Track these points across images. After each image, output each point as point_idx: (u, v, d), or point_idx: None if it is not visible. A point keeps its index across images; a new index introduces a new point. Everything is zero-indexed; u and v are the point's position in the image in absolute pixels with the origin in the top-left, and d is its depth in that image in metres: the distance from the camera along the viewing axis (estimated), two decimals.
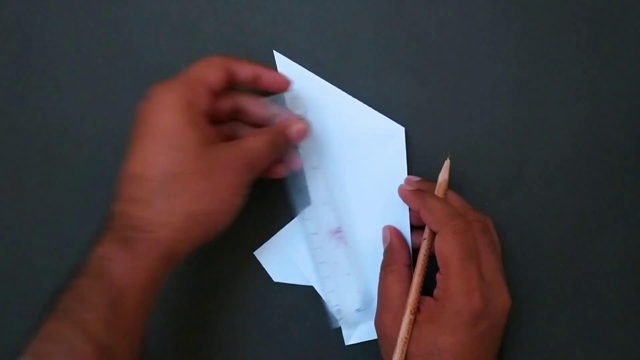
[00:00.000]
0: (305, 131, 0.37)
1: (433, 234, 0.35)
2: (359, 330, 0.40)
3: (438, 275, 0.34)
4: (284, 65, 0.39)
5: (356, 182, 0.40)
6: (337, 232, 0.39)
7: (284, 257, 0.40)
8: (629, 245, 0.40)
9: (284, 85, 0.37)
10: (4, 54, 0.41)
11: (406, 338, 0.33)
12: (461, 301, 0.32)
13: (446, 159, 0.37)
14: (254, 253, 0.40)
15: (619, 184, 0.40)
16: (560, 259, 0.40)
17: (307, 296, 0.39)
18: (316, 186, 0.39)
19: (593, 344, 0.40)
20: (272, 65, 0.40)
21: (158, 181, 0.31)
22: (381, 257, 0.38)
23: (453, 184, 0.40)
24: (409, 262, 0.37)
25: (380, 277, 0.37)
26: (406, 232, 0.39)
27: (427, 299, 0.34)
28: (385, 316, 0.35)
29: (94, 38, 0.41)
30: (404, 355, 0.33)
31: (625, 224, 0.40)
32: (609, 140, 0.40)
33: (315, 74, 0.40)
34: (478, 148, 0.40)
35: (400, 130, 0.39)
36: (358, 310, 0.40)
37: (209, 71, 0.34)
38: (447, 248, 0.33)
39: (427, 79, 0.40)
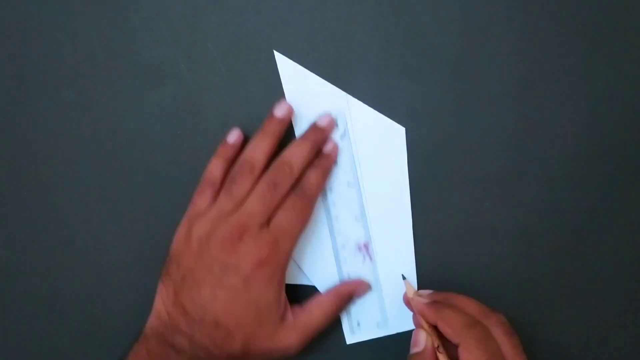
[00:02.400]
0: (367, 289, 0.40)
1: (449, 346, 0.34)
2: (360, 330, 0.40)
3: None
4: (284, 65, 0.39)
5: (358, 183, 0.40)
6: (365, 246, 0.40)
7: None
8: (628, 245, 0.40)
9: None
10: (4, 54, 0.41)
11: None
12: None
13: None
14: None
15: (619, 184, 0.40)
16: (560, 258, 0.40)
17: (308, 296, 0.39)
18: (350, 202, 0.40)
19: (593, 344, 0.40)
20: (273, 66, 0.40)
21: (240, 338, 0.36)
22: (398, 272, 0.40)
23: (454, 183, 0.40)
24: None
25: None
26: (408, 236, 0.40)
27: None
28: None
29: (94, 38, 0.41)
30: None
31: (625, 224, 0.40)
32: (609, 140, 0.40)
33: (315, 74, 0.40)
34: (478, 148, 0.40)
35: (401, 130, 0.39)
36: (378, 325, 0.40)
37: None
38: (473, 358, 0.33)
39: (427, 79, 0.40)
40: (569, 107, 0.40)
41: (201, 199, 0.38)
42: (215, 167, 0.38)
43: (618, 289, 0.40)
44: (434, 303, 0.36)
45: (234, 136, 0.39)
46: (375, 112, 0.39)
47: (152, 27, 0.40)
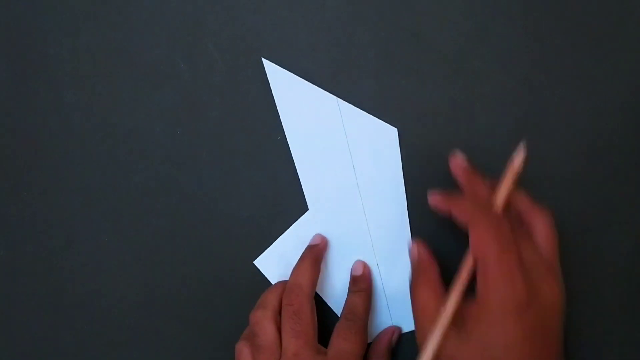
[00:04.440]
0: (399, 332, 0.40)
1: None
2: None
3: (477, 276, 0.32)
4: (273, 72, 0.39)
5: (354, 186, 0.40)
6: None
7: (284, 264, 0.40)
8: (629, 245, 0.40)
9: None
10: (4, 54, 0.41)
11: (441, 335, 0.32)
12: (503, 290, 0.31)
13: (522, 143, 0.35)
14: (254, 262, 0.40)
15: (619, 184, 0.40)
16: (560, 258, 0.40)
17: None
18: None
19: (593, 344, 0.40)
20: (262, 73, 0.40)
21: None
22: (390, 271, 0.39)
23: (455, 184, 0.40)
24: (439, 275, 0.35)
25: (412, 293, 0.35)
26: (406, 234, 0.40)
27: (469, 301, 0.33)
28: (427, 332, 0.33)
29: (94, 38, 0.41)
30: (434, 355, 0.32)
31: (625, 224, 0.40)
32: (609, 140, 0.40)
33: (315, 73, 0.40)
34: (478, 148, 0.40)
35: (393, 131, 0.39)
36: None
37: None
38: (482, 241, 0.32)
39: (427, 79, 0.40)
40: (569, 107, 0.40)
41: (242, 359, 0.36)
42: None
43: (618, 289, 0.40)
44: (447, 195, 0.36)
45: None
46: (367, 114, 0.39)
47: (152, 26, 0.40)
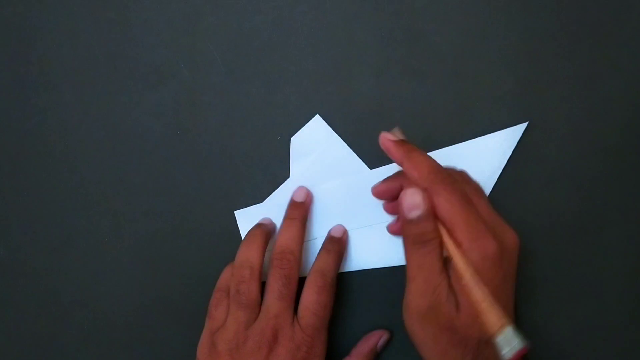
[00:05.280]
0: (387, 337, 0.40)
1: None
2: None
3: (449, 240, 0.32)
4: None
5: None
6: None
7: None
8: (629, 245, 0.40)
9: None
10: (4, 54, 0.41)
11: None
12: (477, 251, 0.31)
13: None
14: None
15: (619, 184, 0.40)
16: (560, 258, 0.40)
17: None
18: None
19: (593, 344, 0.40)
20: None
21: None
22: None
23: None
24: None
25: (415, 254, 0.33)
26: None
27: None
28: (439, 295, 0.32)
29: (94, 38, 0.41)
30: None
31: (625, 224, 0.40)
32: (609, 140, 0.40)
33: (314, 73, 0.40)
34: None
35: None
36: None
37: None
38: (445, 202, 0.31)
39: (427, 79, 0.40)
40: (569, 107, 0.40)
41: (218, 311, 0.36)
42: (228, 274, 0.38)
43: (618, 288, 0.40)
44: (402, 142, 0.34)
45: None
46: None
47: (152, 27, 0.40)
